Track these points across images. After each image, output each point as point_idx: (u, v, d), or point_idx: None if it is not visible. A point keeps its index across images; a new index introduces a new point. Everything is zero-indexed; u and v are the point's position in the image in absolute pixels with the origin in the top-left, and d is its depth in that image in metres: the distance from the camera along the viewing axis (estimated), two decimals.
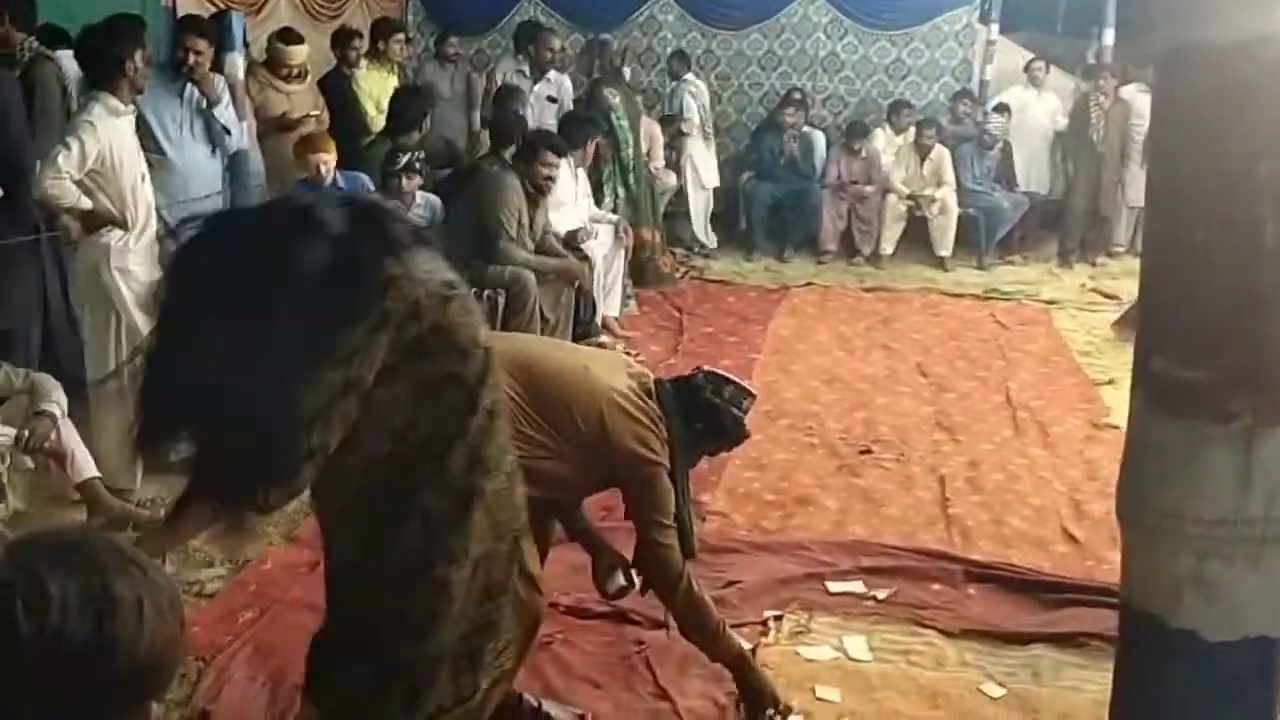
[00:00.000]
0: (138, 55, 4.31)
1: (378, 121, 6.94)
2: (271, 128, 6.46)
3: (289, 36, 6.69)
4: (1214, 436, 1.42)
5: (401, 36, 7.28)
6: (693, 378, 3.22)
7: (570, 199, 6.95)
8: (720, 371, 3.28)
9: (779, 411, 5.71)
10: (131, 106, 4.47)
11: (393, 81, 7.31)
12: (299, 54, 6.59)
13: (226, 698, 3.22)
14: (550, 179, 6.14)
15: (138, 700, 1.13)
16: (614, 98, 7.81)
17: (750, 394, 3.26)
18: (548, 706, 3.16)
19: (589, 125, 7.10)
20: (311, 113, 6.65)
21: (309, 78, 6.76)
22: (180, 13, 6.28)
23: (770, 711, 3.16)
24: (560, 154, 6.21)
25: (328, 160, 5.65)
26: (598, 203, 7.42)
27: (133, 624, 1.08)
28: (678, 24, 10.14)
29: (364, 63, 7.32)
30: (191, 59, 5.21)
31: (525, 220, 6.14)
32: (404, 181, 5.82)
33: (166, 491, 4.58)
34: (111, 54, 4.31)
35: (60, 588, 1.06)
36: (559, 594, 3.61)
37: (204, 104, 5.35)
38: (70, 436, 4.12)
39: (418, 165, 5.87)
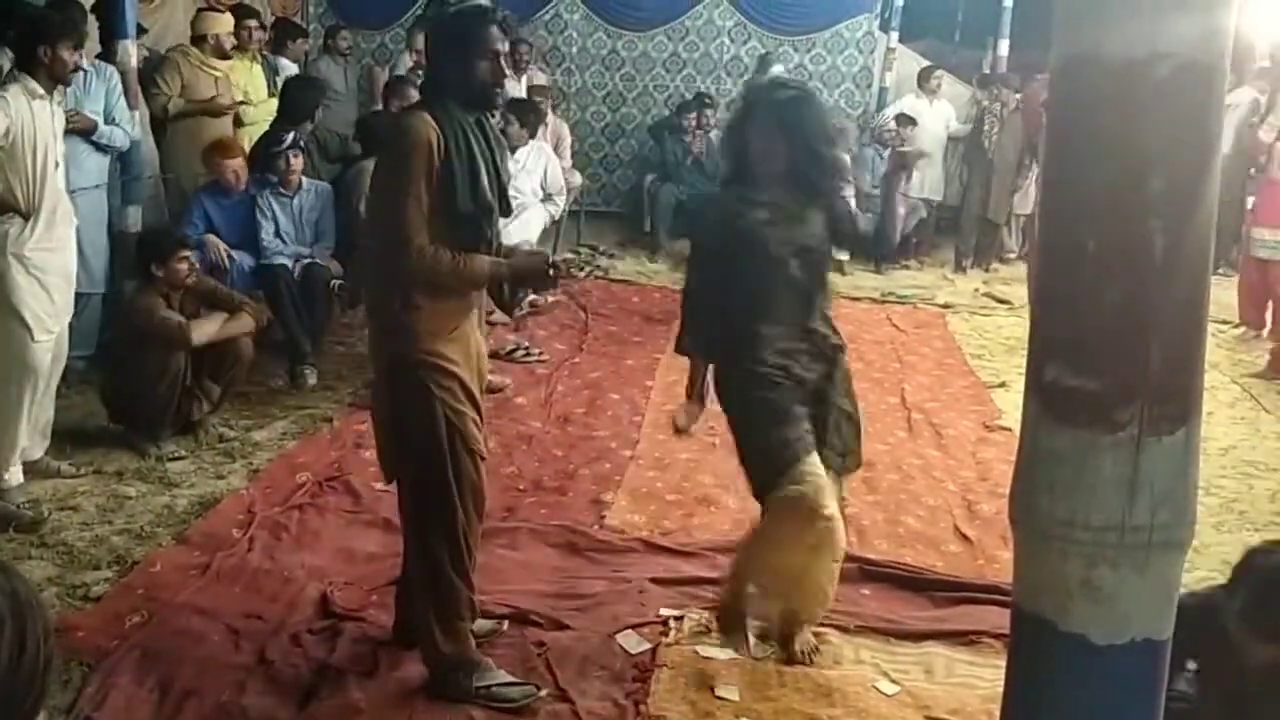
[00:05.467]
0: (60, 45, 4.22)
1: (249, 113, 6.83)
2: (197, 109, 6.39)
3: (211, 7, 6.85)
4: (1103, 445, 1.46)
5: (255, 23, 7.12)
6: None
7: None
8: None
9: None
10: (59, 94, 4.40)
11: (258, 70, 7.13)
12: (226, 21, 6.63)
13: (112, 704, 3.11)
14: None
15: None
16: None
17: None
18: None
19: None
20: (238, 100, 6.62)
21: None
22: None
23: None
24: None
25: (238, 167, 5.73)
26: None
27: None
28: (583, 23, 10.13)
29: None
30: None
31: None
32: (289, 162, 5.75)
33: (48, 491, 4.45)
34: (32, 39, 4.24)
35: None
36: None
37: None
38: None
39: (302, 144, 5.78)
